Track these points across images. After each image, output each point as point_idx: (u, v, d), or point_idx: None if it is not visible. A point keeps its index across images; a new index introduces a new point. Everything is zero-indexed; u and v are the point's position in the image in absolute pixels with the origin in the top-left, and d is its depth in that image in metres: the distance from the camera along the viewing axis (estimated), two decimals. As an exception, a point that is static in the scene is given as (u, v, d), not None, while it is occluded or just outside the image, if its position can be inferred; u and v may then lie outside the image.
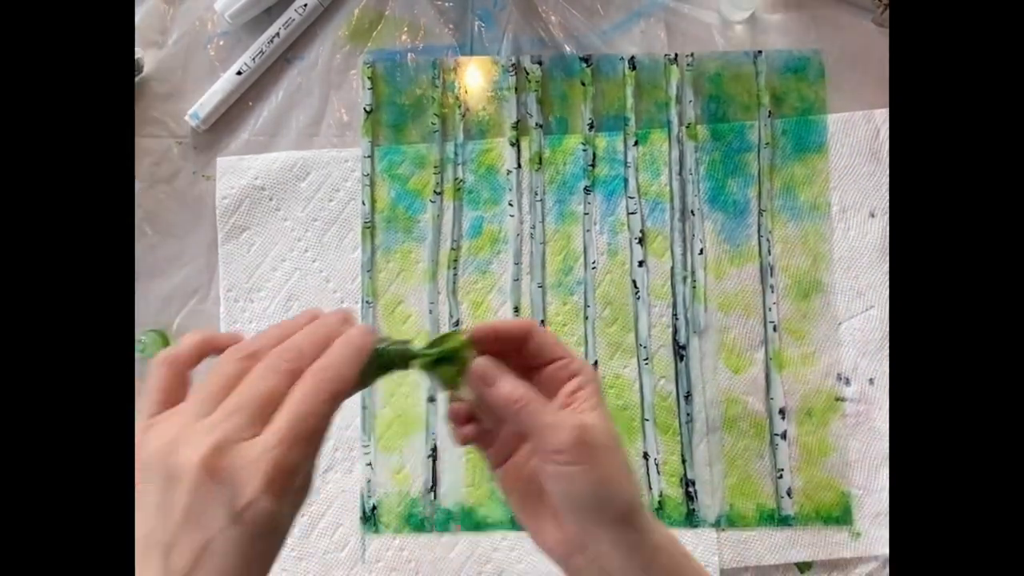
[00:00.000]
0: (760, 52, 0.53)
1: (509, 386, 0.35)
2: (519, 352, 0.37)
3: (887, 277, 0.51)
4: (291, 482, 0.30)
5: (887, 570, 0.48)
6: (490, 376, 0.35)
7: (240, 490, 0.29)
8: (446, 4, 0.54)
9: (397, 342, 0.36)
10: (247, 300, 0.52)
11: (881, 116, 0.52)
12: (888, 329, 0.50)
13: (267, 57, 0.53)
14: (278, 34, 0.53)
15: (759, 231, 0.51)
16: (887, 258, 0.51)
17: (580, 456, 0.34)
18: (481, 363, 0.35)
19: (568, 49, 0.53)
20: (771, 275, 0.51)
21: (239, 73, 0.53)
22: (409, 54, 0.54)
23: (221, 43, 0.54)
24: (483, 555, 0.49)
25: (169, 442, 0.31)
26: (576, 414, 0.35)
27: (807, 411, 0.50)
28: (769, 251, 0.51)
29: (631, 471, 0.36)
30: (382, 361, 0.35)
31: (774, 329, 0.50)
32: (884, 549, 0.48)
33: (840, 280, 0.51)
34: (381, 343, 0.36)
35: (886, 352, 0.50)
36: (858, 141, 0.52)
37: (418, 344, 0.35)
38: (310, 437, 0.31)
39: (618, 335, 0.51)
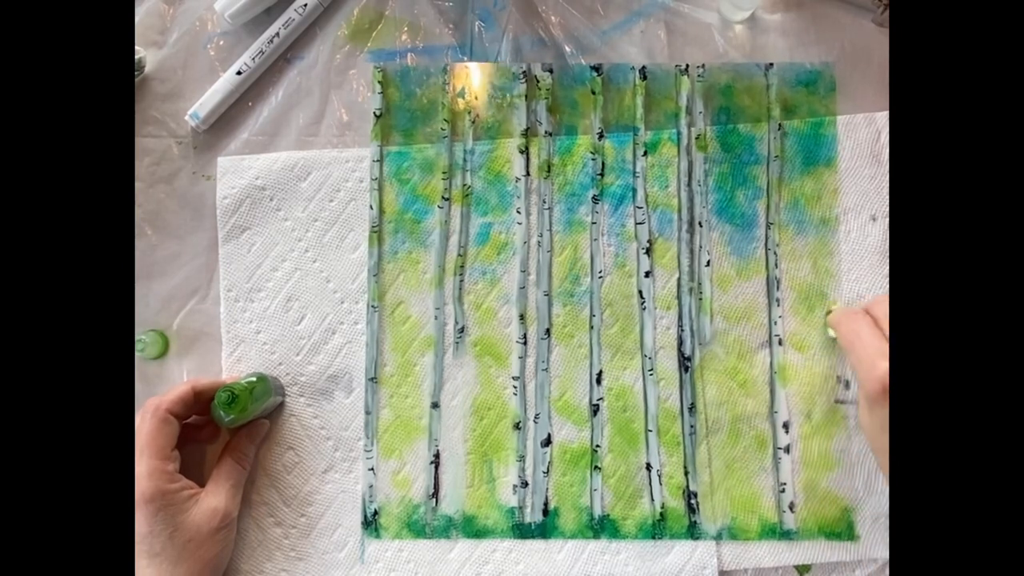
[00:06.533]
0: (771, 64, 0.52)
1: None
2: None
3: (887, 279, 0.50)
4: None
5: (886, 573, 0.48)
6: None
7: None
8: (446, 4, 0.54)
9: (246, 382, 0.47)
10: (247, 300, 0.52)
11: (882, 119, 0.52)
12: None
13: (267, 57, 0.53)
14: (278, 34, 0.53)
15: (766, 244, 0.51)
16: (887, 260, 0.51)
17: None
18: None
19: (568, 49, 0.53)
20: (777, 288, 0.51)
21: (239, 73, 0.53)
22: (409, 54, 0.54)
23: (221, 43, 0.54)
24: (482, 556, 0.49)
25: None
26: None
27: (807, 414, 0.50)
28: (776, 264, 0.51)
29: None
30: (232, 396, 0.46)
31: (779, 343, 0.50)
32: (883, 552, 0.48)
33: (841, 283, 0.51)
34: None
35: (886, 354, 0.50)
36: (859, 144, 0.52)
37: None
38: None
39: (618, 337, 0.51)
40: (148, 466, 0.44)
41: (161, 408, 0.45)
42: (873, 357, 0.41)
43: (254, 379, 0.47)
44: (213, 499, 0.46)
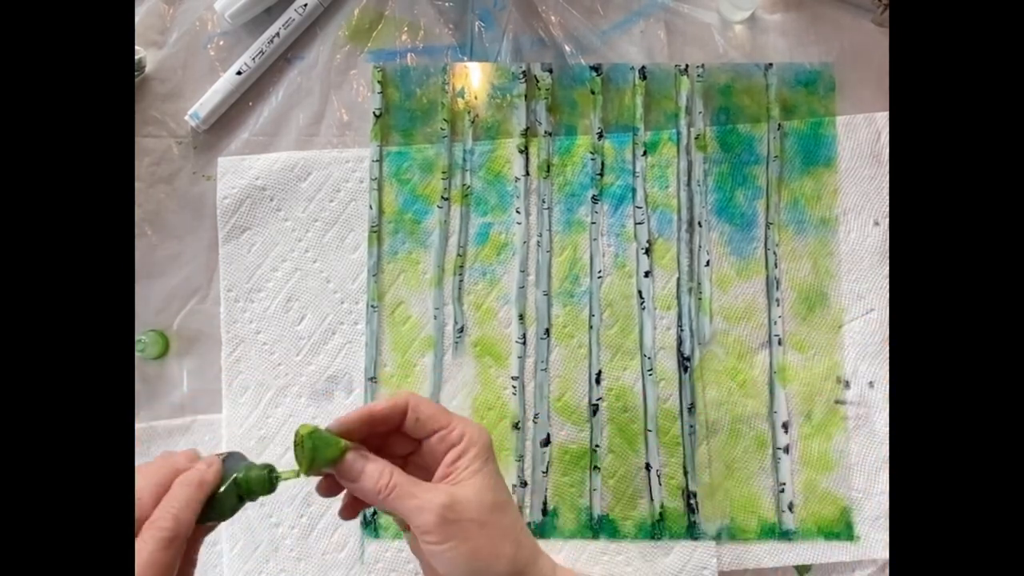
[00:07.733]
0: (771, 64, 0.52)
1: (372, 479, 0.34)
2: (400, 428, 0.36)
3: (887, 280, 0.50)
4: None
5: (886, 573, 0.48)
6: (353, 471, 0.35)
7: None
8: (446, 4, 0.54)
9: (254, 467, 0.35)
10: (247, 300, 0.52)
11: (882, 119, 0.52)
12: (888, 332, 0.50)
13: (267, 57, 0.53)
14: (278, 34, 0.53)
15: (766, 244, 0.51)
16: (887, 261, 0.51)
17: (446, 535, 0.34)
18: (347, 459, 0.35)
19: (568, 48, 0.53)
20: (777, 288, 0.51)
21: (239, 73, 0.53)
22: (409, 54, 0.54)
23: (221, 43, 0.54)
24: (482, 556, 0.49)
25: None
26: (446, 489, 0.34)
27: (807, 414, 0.50)
28: (776, 264, 0.51)
29: (515, 531, 0.35)
30: (242, 490, 0.34)
31: (779, 343, 0.50)
32: (882, 553, 0.48)
33: (841, 283, 0.51)
34: (236, 471, 0.35)
35: (886, 355, 0.50)
36: (859, 144, 0.52)
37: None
38: None
39: (618, 338, 0.51)
40: None
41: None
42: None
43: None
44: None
